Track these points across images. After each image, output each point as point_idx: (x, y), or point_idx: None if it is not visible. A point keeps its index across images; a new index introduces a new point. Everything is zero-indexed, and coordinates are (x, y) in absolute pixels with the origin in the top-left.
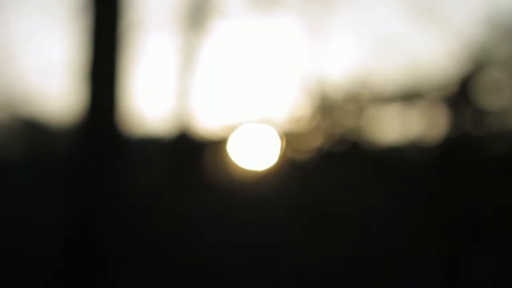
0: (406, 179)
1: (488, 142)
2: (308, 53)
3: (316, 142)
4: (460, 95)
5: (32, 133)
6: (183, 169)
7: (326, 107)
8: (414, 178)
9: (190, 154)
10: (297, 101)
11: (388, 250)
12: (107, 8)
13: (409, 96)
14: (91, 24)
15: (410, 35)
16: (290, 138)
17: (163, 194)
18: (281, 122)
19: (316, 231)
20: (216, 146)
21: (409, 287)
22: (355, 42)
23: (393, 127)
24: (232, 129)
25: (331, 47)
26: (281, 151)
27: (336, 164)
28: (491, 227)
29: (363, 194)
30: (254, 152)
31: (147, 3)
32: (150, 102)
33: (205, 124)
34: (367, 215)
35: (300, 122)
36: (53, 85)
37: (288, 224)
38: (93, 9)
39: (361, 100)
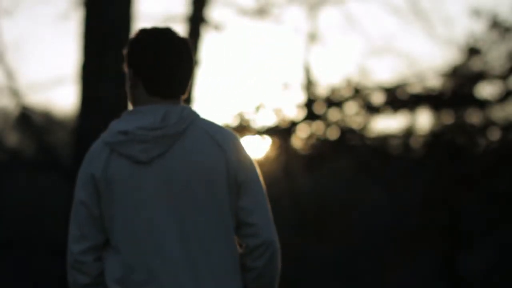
0: (401, 173)
1: (484, 133)
2: (304, 52)
3: (312, 135)
4: (456, 87)
5: (35, 127)
6: None
7: (321, 102)
8: (409, 173)
9: None
10: (292, 96)
11: (388, 247)
12: (109, 3)
13: (402, 89)
14: (92, 17)
15: (405, 30)
16: (286, 131)
17: None
18: (276, 116)
19: (313, 226)
20: None
21: (409, 282)
22: (350, 39)
23: (388, 122)
24: (231, 120)
25: (326, 47)
26: (276, 143)
27: (332, 157)
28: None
29: (360, 187)
30: (252, 141)
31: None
32: None
33: (206, 114)
34: (364, 210)
35: (295, 115)
36: (55, 81)
37: (285, 220)
38: (94, 5)
39: (356, 94)
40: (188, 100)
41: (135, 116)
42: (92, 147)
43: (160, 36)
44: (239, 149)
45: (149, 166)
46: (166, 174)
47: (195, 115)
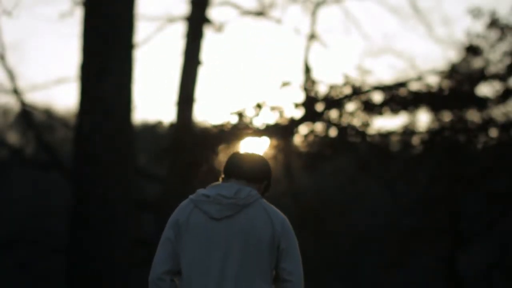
0: (401, 172)
1: (484, 130)
2: (303, 51)
3: (312, 133)
4: (456, 85)
5: (36, 125)
6: (185, 157)
7: (321, 100)
8: (410, 171)
9: (192, 143)
10: (292, 95)
11: (389, 245)
12: (109, 3)
13: (402, 87)
14: (95, 16)
15: (405, 30)
16: (285, 129)
17: (166, 182)
18: (275, 114)
19: (313, 225)
20: (217, 134)
21: (409, 282)
22: (350, 40)
23: (388, 120)
24: (232, 117)
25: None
26: (276, 141)
27: (331, 155)
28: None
29: (359, 187)
30: (252, 140)
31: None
32: (155, 93)
33: (207, 113)
34: (364, 210)
35: (294, 113)
36: (56, 80)
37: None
38: (94, 4)
39: (356, 92)
40: (190, 101)
41: (216, 188)
42: (182, 203)
43: (240, 154)
44: (284, 225)
45: (219, 222)
46: (230, 230)
47: (258, 196)
